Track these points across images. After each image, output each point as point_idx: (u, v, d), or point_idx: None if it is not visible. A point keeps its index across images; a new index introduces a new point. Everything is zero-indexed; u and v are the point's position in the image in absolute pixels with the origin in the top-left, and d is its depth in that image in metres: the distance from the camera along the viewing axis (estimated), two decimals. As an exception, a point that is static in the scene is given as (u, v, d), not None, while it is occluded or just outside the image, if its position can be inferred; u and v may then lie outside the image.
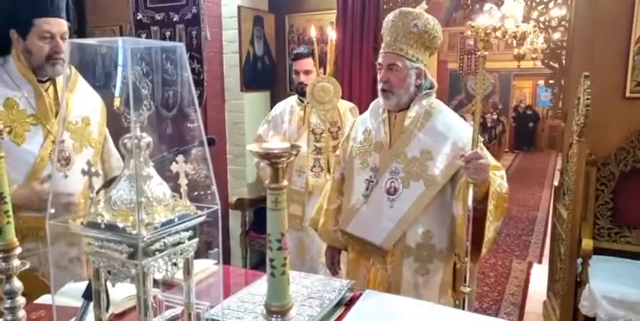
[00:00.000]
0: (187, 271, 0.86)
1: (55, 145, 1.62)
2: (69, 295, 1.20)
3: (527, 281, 3.95)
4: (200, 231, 0.88)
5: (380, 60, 1.74)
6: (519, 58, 6.73)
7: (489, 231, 1.59)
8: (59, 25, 1.64)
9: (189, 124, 0.85)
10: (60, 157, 1.61)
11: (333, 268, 2.01)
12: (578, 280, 2.54)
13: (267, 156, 0.63)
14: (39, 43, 1.62)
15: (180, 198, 0.84)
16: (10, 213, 0.92)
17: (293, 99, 2.89)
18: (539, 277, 3.79)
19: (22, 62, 1.65)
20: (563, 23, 3.01)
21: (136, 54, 0.72)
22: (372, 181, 1.74)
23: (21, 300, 0.97)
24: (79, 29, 3.78)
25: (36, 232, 1.59)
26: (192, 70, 3.21)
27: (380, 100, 1.78)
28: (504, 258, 4.52)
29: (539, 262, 4.40)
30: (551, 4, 3.00)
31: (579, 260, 2.53)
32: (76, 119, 1.71)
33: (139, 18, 3.30)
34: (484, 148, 1.74)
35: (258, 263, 3.90)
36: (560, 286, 2.65)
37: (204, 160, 0.86)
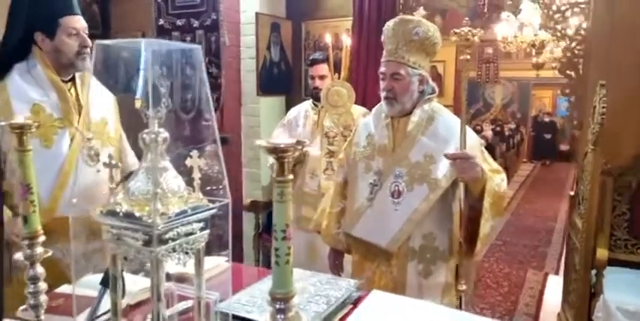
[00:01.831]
0: (198, 262, 0.91)
1: (81, 143, 1.69)
2: (87, 285, 1.26)
3: (542, 292, 3.91)
4: (212, 224, 0.93)
5: (382, 69, 1.77)
6: (538, 67, 6.69)
7: (485, 227, 1.63)
8: (81, 21, 1.72)
9: (203, 123, 0.90)
10: (90, 153, 1.68)
11: (336, 271, 2.04)
12: (593, 291, 2.52)
13: (274, 150, 0.68)
14: (68, 40, 1.69)
15: (194, 191, 0.88)
16: (36, 202, 0.98)
17: (308, 103, 2.94)
18: (555, 288, 3.75)
19: (48, 66, 1.71)
20: (580, 31, 3.00)
21: (156, 54, 0.77)
22: (376, 185, 1.77)
23: (43, 285, 1.02)
24: (103, 35, 3.90)
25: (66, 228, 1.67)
26: (210, 75, 3.28)
27: (383, 105, 1.81)
28: (519, 268, 4.48)
29: (556, 273, 4.35)
30: (568, 13, 3.00)
31: (594, 271, 2.51)
32: (96, 119, 1.77)
33: (160, 24, 3.40)
34: (484, 151, 1.78)
35: (270, 265, 3.93)
36: (575, 297, 2.62)
37: (217, 156, 0.91)
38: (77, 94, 1.77)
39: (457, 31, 1.60)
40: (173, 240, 0.82)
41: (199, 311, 0.93)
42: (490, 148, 8.30)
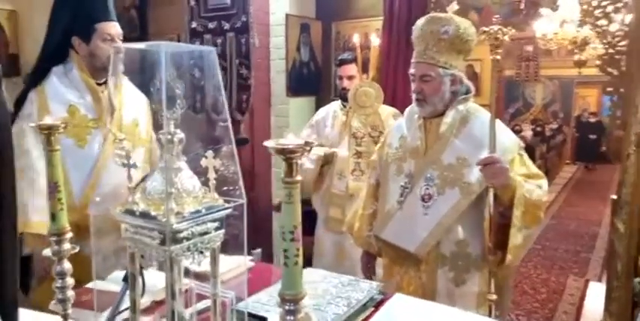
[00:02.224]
0: (214, 261, 0.92)
1: (113, 144, 1.75)
2: (116, 281, 1.30)
3: (582, 299, 3.75)
4: (227, 224, 0.94)
5: (412, 70, 1.72)
6: (580, 64, 6.41)
7: (516, 237, 1.55)
8: (116, 28, 1.79)
9: (219, 123, 0.91)
10: (121, 153, 1.75)
11: (368, 274, 2.02)
12: (636, 300, 2.39)
13: (282, 151, 0.68)
14: (102, 45, 1.76)
15: (209, 191, 0.90)
16: (64, 200, 1.02)
17: (336, 104, 2.94)
18: (597, 295, 3.58)
19: (83, 69, 1.79)
20: (622, 27, 2.87)
21: (171, 57, 0.79)
22: (407, 188, 1.73)
23: (70, 280, 1.06)
24: (141, 38, 4.03)
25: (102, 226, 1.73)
26: (240, 76, 3.33)
27: (415, 106, 1.78)
28: (559, 274, 4.32)
29: (599, 280, 4.16)
30: (609, 8, 2.87)
31: (637, 279, 2.39)
32: (127, 120, 1.84)
33: (193, 26, 3.48)
34: (523, 154, 1.70)
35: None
36: (616, 306, 2.50)
37: (233, 156, 0.92)
38: (110, 96, 1.84)
39: (486, 29, 1.55)
40: (188, 239, 0.83)
41: (215, 309, 0.94)
42: (529, 149, 8.04)
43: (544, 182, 1.67)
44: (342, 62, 2.78)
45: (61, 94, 1.77)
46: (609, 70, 2.93)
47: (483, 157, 1.51)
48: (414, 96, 1.73)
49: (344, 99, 2.77)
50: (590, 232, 5.76)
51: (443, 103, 1.70)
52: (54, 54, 1.81)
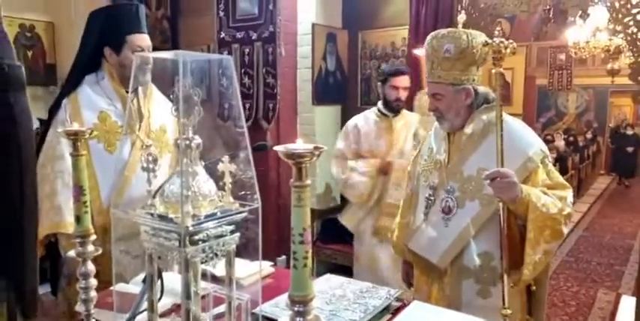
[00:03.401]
0: (229, 263, 0.94)
1: (142, 150, 1.81)
2: (139, 283, 1.34)
3: (613, 314, 3.61)
4: (246, 229, 0.96)
5: (426, 89, 1.75)
6: (613, 73, 6.25)
7: (531, 253, 1.51)
8: (146, 40, 1.85)
9: (236, 129, 0.94)
10: (148, 159, 1.82)
11: (408, 282, 1.99)
12: (666, 313, 2.30)
13: (291, 156, 0.70)
14: (132, 56, 1.81)
15: (226, 195, 0.92)
16: (88, 203, 1.06)
17: (372, 113, 2.94)
18: (629, 309, 3.45)
19: (114, 78, 1.86)
20: (654, 34, 2.79)
21: (189, 65, 0.82)
22: (430, 200, 1.73)
23: (93, 281, 1.10)
24: (173, 48, 4.16)
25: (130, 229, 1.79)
26: (267, 85, 3.39)
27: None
28: (590, 287, 4.18)
29: (633, 294, 4.00)
30: (639, 16, 2.79)
31: (667, 292, 2.29)
32: (155, 127, 1.89)
33: (222, 37, 3.57)
34: (548, 164, 1.66)
35: (324, 273, 3.95)
36: (646, 320, 2.40)
37: (249, 162, 0.94)
38: (139, 104, 1.90)
39: (489, 42, 1.52)
40: (203, 241, 0.86)
41: (230, 312, 0.96)
42: (561, 159, 7.83)
43: (569, 193, 1.61)
44: (398, 73, 2.81)
45: (93, 101, 1.84)
46: (639, 78, 2.85)
47: (490, 171, 1.48)
48: (433, 114, 1.73)
49: (394, 110, 2.82)
50: (624, 245, 5.56)
51: (461, 117, 1.69)
52: (87, 63, 1.89)
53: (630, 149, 11.02)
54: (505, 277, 1.50)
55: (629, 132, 11.42)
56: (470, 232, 1.62)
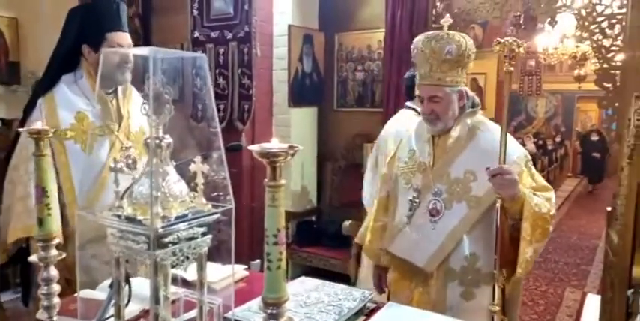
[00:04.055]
0: (200, 266, 0.92)
1: (121, 152, 1.75)
2: (105, 290, 1.29)
3: (579, 312, 3.72)
4: (219, 231, 0.94)
5: (419, 92, 1.69)
6: (580, 79, 6.46)
7: (525, 251, 1.53)
8: (126, 38, 1.80)
9: (208, 129, 0.91)
10: (127, 161, 1.77)
11: (380, 287, 1.96)
12: (629, 311, 2.37)
13: (266, 155, 0.68)
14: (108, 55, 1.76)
15: (198, 196, 0.90)
16: (51, 206, 1.02)
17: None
18: (594, 307, 3.55)
19: (93, 77, 1.79)
20: (617, 43, 2.89)
21: (160, 62, 0.80)
22: (415, 202, 1.71)
23: (56, 287, 1.05)
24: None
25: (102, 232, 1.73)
26: (242, 85, 3.35)
27: (423, 123, 1.75)
28: (557, 286, 4.30)
29: (598, 292, 4.13)
30: (604, 24, 2.89)
31: (630, 290, 2.36)
32: (135, 129, 1.83)
33: (195, 36, 3.52)
34: (531, 167, 1.70)
35: (295, 276, 3.94)
36: (610, 317, 2.48)
37: (222, 162, 0.92)
38: (118, 105, 1.84)
39: (501, 41, 1.52)
40: (173, 243, 0.83)
41: (201, 316, 0.94)
42: (532, 162, 8.00)
43: (552, 195, 1.65)
44: None
45: (70, 101, 1.77)
46: (605, 84, 2.94)
47: (493, 168, 1.49)
48: (424, 117, 1.71)
49: None
50: (590, 245, 5.73)
51: (454, 119, 1.69)
52: (64, 61, 1.82)
53: (597, 155, 11.27)
54: (496, 273, 1.52)
55: (594, 138, 11.74)
56: (458, 234, 1.62)
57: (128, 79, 1.79)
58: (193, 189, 0.91)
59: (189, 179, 0.91)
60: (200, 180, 0.88)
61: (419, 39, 1.67)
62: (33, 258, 1.02)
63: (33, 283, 1.72)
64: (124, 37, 1.79)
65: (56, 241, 1.03)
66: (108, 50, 1.60)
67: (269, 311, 0.73)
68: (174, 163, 0.90)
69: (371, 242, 1.93)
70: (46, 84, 1.80)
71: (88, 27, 1.77)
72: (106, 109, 1.79)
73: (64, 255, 1.05)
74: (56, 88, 1.78)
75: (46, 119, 1.71)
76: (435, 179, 1.68)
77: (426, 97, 1.67)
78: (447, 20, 1.70)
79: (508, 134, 1.73)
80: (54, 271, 1.04)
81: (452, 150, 1.69)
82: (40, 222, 1.00)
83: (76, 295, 1.11)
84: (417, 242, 1.68)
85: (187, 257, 0.86)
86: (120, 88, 1.84)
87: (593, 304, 3.72)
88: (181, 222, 0.83)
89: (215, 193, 0.94)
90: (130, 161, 0.91)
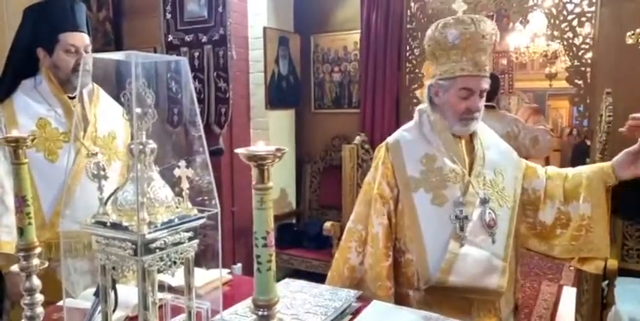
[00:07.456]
0: (188, 271, 0.91)
1: (87, 158, 1.70)
2: (87, 298, 1.27)
3: (556, 304, 3.82)
4: (205, 236, 0.93)
5: (469, 85, 1.46)
6: (551, 77, 6.64)
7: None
8: (82, 38, 1.71)
9: (192, 133, 0.91)
10: (95, 168, 1.73)
11: None
12: (605, 302, 2.45)
13: (254, 158, 0.68)
14: (65, 57, 1.68)
15: (183, 201, 0.89)
16: (32, 215, 1.00)
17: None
18: (570, 300, 3.67)
19: (53, 82, 1.72)
20: (587, 41, 2.99)
21: (142, 67, 0.79)
22: (461, 218, 1.47)
23: (39, 297, 1.03)
24: (116, 51, 4.00)
25: (76, 244, 1.65)
26: (219, 89, 3.33)
27: (455, 126, 1.54)
28: (534, 280, 4.40)
29: (573, 285, 4.25)
30: (575, 22, 2.98)
31: (605, 282, 2.45)
32: (103, 133, 1.77)
33: (169, 40, 3.47)
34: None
35: (278, 279, 3.93)
36: (586, 309, 2.56)
37: (207, 167, 0.92)
38: (84, 109, 1.77)
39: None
40: (161, 249, 0.83)
41: (189, 319, 0.93)
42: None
43: None
44: None
45: (30, 107, 1.69)
46: (576, 81, 3.04)
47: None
48: (469, 115, 1.50)
49: None
50: (565, 240, 5.89)
51: None
52: (20, 66, 1.74)
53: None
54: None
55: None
56: (512, 237, 1.49)
57: (88, 81, 1.72)
58: (178, 194, 0.90)
59: (173, 184, 0.90)
60: (185, 184, 0.88)
61: (441, 26, 1.48)
62: (14, 268, 1.00)
63: (5, 297, 1.66)
64: (79, 38, 1.70)
65: (38, 250, 1.01)
66: (88, 55, 1.56)
67: (260, 313, 0.73)
68: (158, 169, 0.89)
69: (387, 288, 1.56)
70: (3, 91, 1.71)
71: (40, 28, 1.68)
72: (70, 114, 1.72)
73: (46, 264, 1.03)
74: (14, 95, 1.70)
75: (5, 128, 1.64)
76: (476, 186, 1.52)
77: (479, 91, 1.47)
78: (459, 6, 1.56)
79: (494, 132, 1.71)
80: (37, 281, 1.02)
81: (478, 150, 1.57)
82: (21, 231, 0.98)
83: (60, 303, 1.09)
84: (481, 263, 1.47)
85: (175, 262, 0.86)
86: (85, 92, 1.76)
87: (569, 296, 3.84)
88: (168, 227, 0.83)
89: (200, 198, 0.94)
90: (97, 167, 0.89)
